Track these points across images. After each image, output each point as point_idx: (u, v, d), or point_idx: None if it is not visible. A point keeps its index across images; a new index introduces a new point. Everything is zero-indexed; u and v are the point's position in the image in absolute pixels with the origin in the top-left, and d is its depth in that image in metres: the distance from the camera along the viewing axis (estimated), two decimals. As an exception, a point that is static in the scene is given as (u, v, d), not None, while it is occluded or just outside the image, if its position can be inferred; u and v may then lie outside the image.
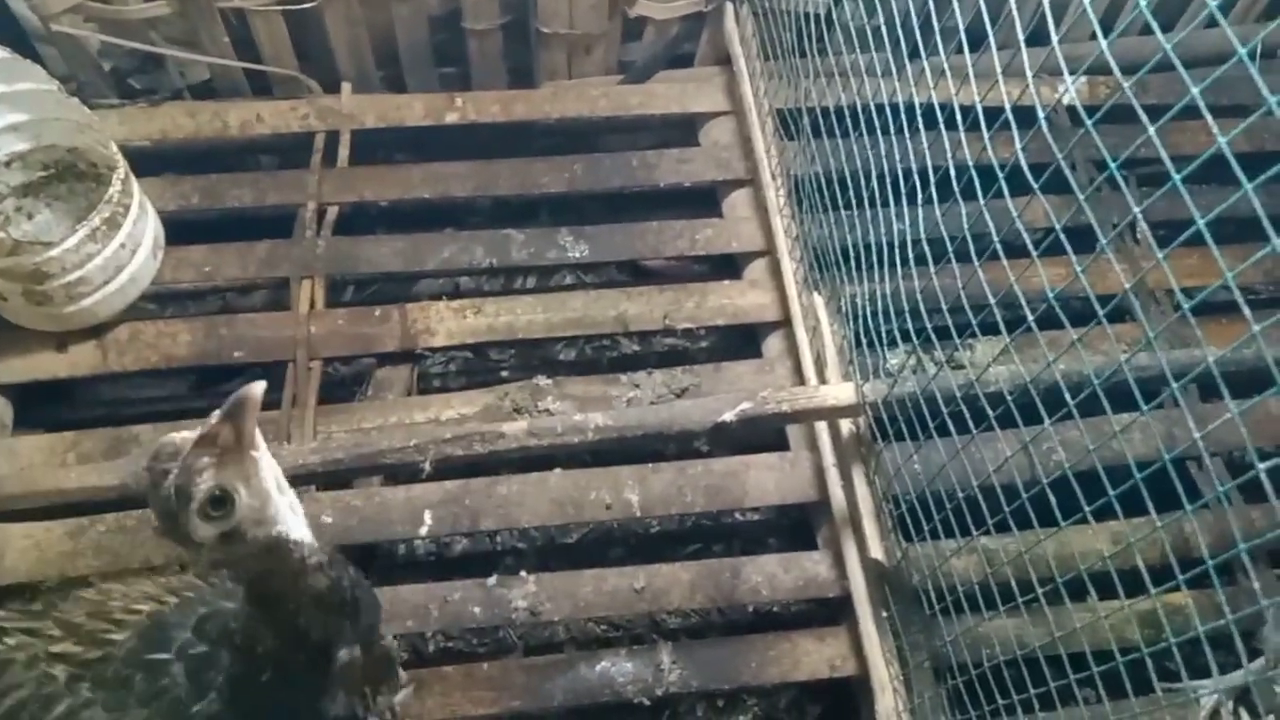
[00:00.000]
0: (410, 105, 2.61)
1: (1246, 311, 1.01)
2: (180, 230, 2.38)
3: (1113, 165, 1.11)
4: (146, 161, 2.41)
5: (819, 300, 2.10)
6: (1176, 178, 1.03)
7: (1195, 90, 0.94)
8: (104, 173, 2.24)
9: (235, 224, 2.45)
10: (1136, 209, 1.11)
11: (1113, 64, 1.10)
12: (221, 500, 1.05)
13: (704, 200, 2.60)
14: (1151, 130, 1.06)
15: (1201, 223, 1.03)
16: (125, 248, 2.13)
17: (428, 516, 2.03)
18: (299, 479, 1.80)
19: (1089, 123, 1.12)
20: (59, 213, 2.33)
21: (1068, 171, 1.22)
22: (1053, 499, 1.42)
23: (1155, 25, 1.08)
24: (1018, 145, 1.25)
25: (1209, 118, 0.97)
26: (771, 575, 2.03)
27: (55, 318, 2.14)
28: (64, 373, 2.20)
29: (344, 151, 2.53)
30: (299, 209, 2.44)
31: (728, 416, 1.70)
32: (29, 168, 2.30)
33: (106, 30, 2.43)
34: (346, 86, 2.63)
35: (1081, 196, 1.25)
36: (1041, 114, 1.17)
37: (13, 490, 1.82)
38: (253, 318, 2.31)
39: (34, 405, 2.23)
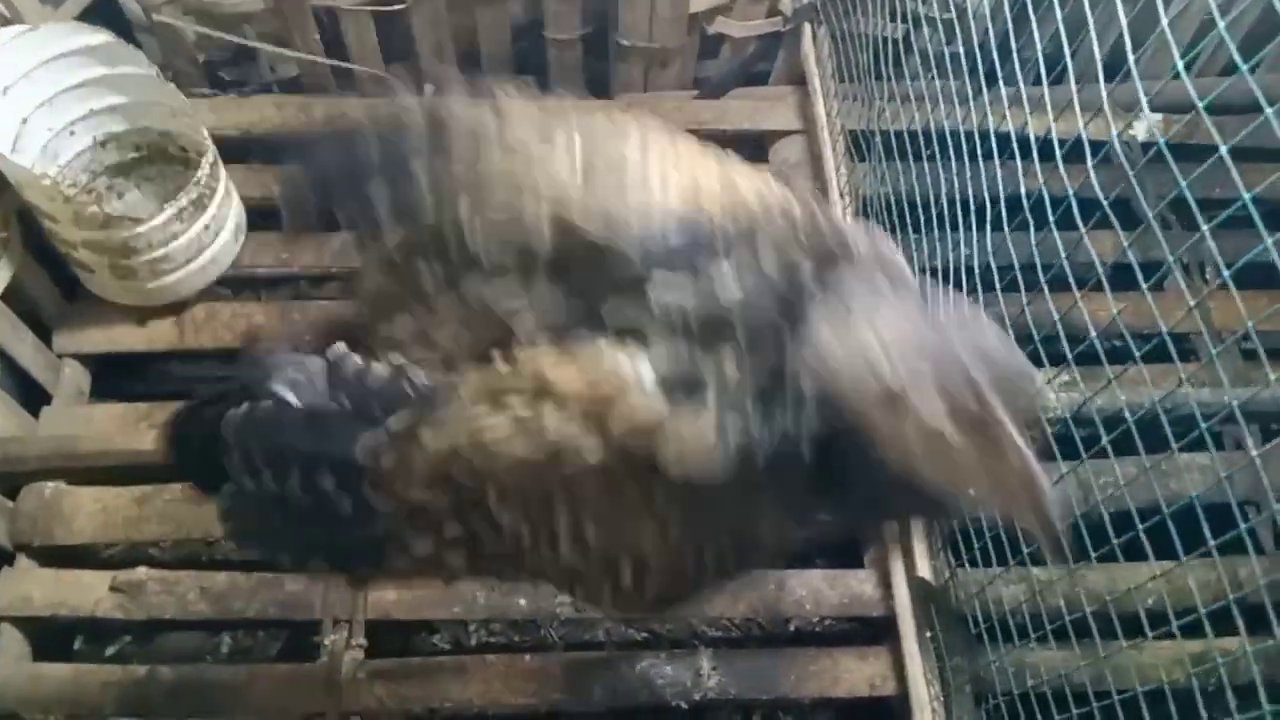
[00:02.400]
0: (489, 109, 2.67)
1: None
2: (261, 217, 2.46)
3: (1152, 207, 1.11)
4: (233, 150, 2.49)
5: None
6: (1204, 228, 1.04)
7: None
8: (193, 157, 2.32)
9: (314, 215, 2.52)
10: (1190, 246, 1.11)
11: (1195, 97, 1.11)
12: None
13: (770, 217, 2.62)
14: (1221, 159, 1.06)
15: (1224, 272, 1.03)
16: (209, 229, 2.21)
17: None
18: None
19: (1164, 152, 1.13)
20: (147, 193, 2.42)
21: (1109, 212, 1.22)
22: (1110, 531, 1.41)
23: (1240, 61, 1.09)
24: (1091, 175, 1.26)
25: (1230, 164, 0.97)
26: (816, 590, 2.03)
27: (138, 292, 2.23)
28: (142, 346, 2.28)
29: (423, 150, 2.59)
30: (375, 203, 2.51)
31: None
32: (123, 148, 2.40)
33: (203, 22, 2.52)
34: (429, 89, 2.69)
35: (1125, 238, 1.26)
36: (1117, 144, 1.19)
37: (89, 449, 1.89)
38: (324, 304, 2.38)
39: (111, 376, 2.32)
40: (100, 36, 2.15)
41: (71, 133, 2.28)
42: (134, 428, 2.13)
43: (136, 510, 2.05)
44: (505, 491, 1.07)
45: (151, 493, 2.07)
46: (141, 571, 2.00)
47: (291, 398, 1.14)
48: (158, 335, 2.29)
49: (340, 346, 1.18)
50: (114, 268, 2.15)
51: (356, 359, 1.16)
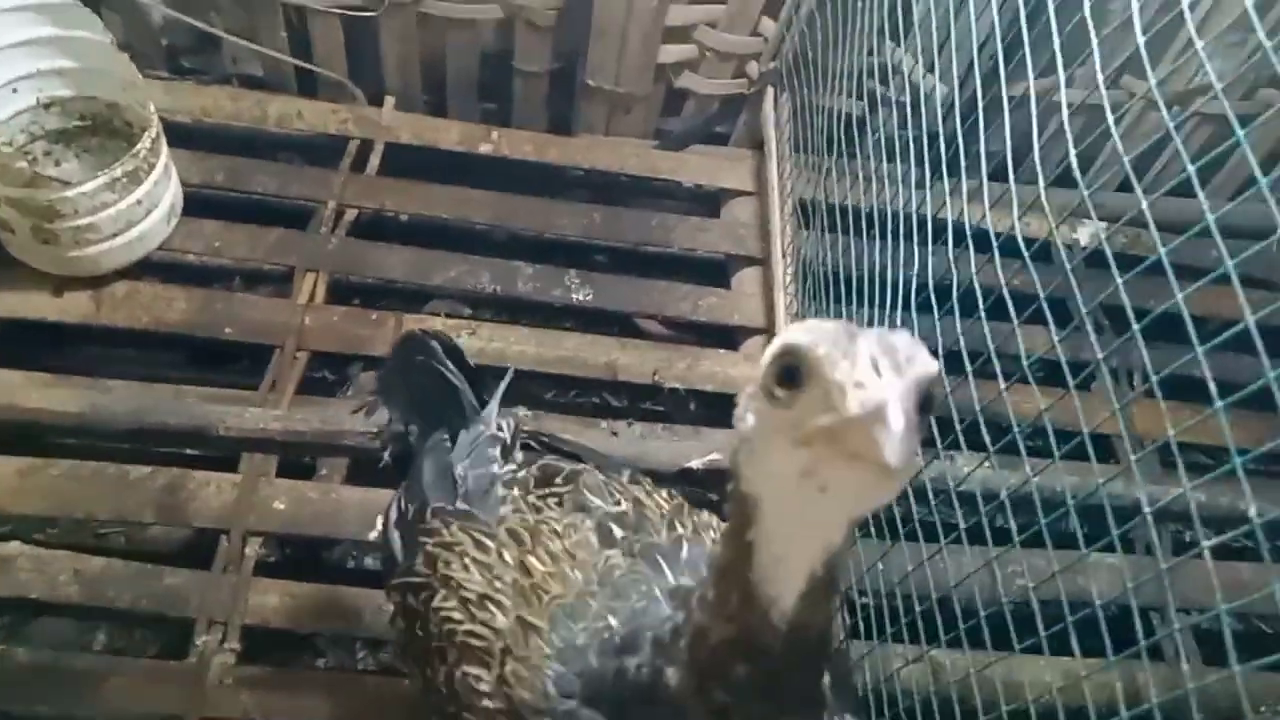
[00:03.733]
0: (447, 129, 2.67)
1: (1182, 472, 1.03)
2: (199, 205, 2.41)
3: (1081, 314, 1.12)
4: (182, 134, 2.46)
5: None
6: (1135, 327, 1.06)
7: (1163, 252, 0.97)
8: (138, 134, 2.27)
9: (253, 210, 2.49)
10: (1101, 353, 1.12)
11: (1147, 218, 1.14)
12: None
13: (714, 272, 2.63)
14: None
15: (1154, 379, 1.05)
16: (141, 205, 2.16)
17: (379, 522, 2.00)
18: (258, 444, 1.79)
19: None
20: (86, 164, 2.36)
21: (1045, 310, 1.24)
22: (1010, 623, 1.41)
23: (1135, 181, 1.13)
24: (1030, 270, 1.28)
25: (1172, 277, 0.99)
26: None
27: (58, 260, 2.16)
28: (54, 316, 2.20)
29: (374, 160, 2.58)
30: (319, 206, 2.48)
31: (695, 463, 1.70)
32: (67, 114, 2.35)
33: (171, 4, 2.50)
34: (390, 100, 2.69)
35: (1056, 338, 1.28)
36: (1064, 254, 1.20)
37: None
38: (250, 299, 2.34)
39: (21, 344, 2.23)
40: (55, -6, 2.11)
41: (15, 90, 2.23)
42: (31, 396, 2.05)
43: (18, 482, 1.96)
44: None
45: (38, 465, 1.98)
46: (14, 546, 1.91)
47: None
48: (73, 307, 2.21)
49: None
50: (36, 230, 2.08)
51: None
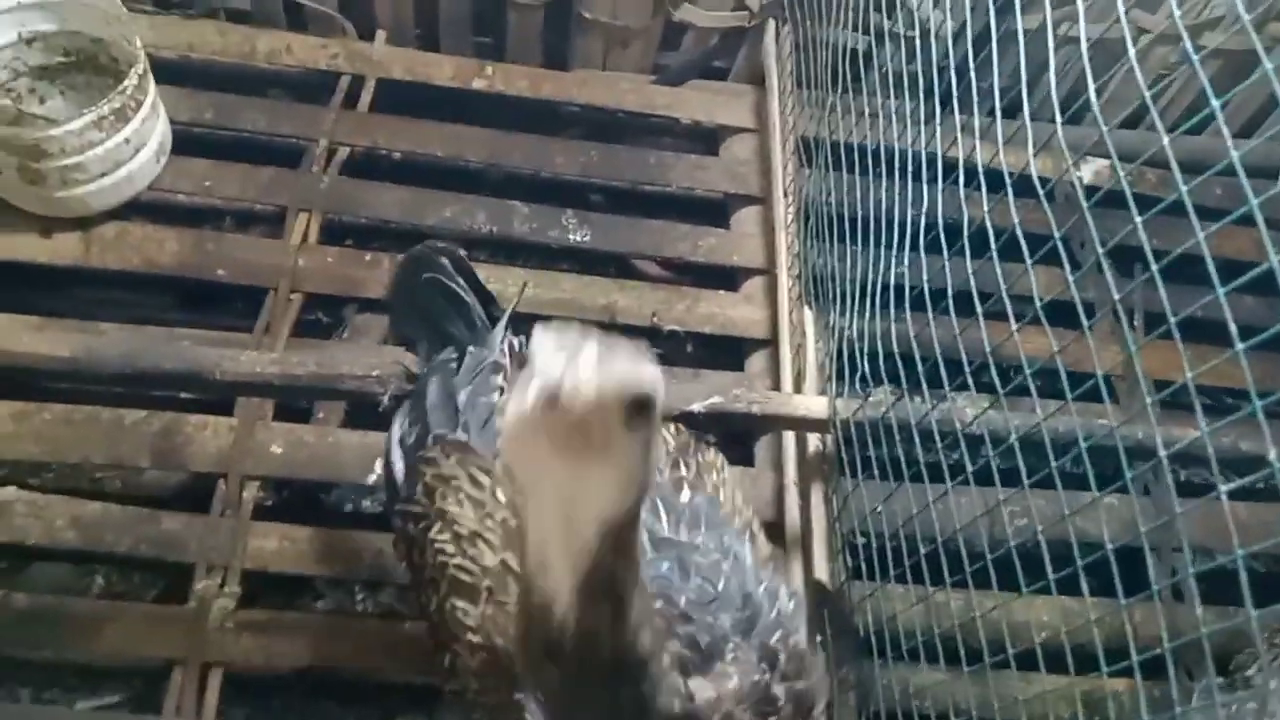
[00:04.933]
0: (440, 65, 2.60)
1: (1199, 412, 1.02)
2: (188, 143, 2.36)
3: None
4: (169, 71, 2.40)
5: (809, 316, 2.09)
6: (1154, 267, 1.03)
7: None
8: (124, 70, 2.20)
9: (244, 148, 2.44)
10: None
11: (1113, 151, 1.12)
12: None
13: (713, 212, 2.59)
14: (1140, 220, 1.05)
15: (1173, 322, 1.03)
16: (129, 144, 2.11)
17: (378, 465, 1.99)
18: (254, 389, 1.77)
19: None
20: (71, 101, 2.30)
21: (1060, 249, 1.22)
22: (1018, 564, 1.40)
23: (1158, 119, 1.09)
24: (1046, 209, 1.25)
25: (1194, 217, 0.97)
26: (712, 588, 1.99)
27: (45, 200, 2.11)
28: (44, 258, 2.17)
29: (366, 97, 2.52)
30: (310, 144, 2.43)
31: (696, 406, 1.68)
32: (50, 50, 2.28)
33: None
34: (381, 35, 2.63)
35: (1071, 278, 1.26)
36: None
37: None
38: (242, 239, 2.30)
39: (9, 287, 2.19)
40: (38, -73, 2.04)
41: (-9, 24, 2.16)
42: (21, 339, 2.01)
43: (13, 427, 1.94)
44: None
45: (32, 410, 1.95)
46: (10, 491, 1.90)
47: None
48: (62, 249, 2.17)
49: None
50: (23, 170, 2.03)
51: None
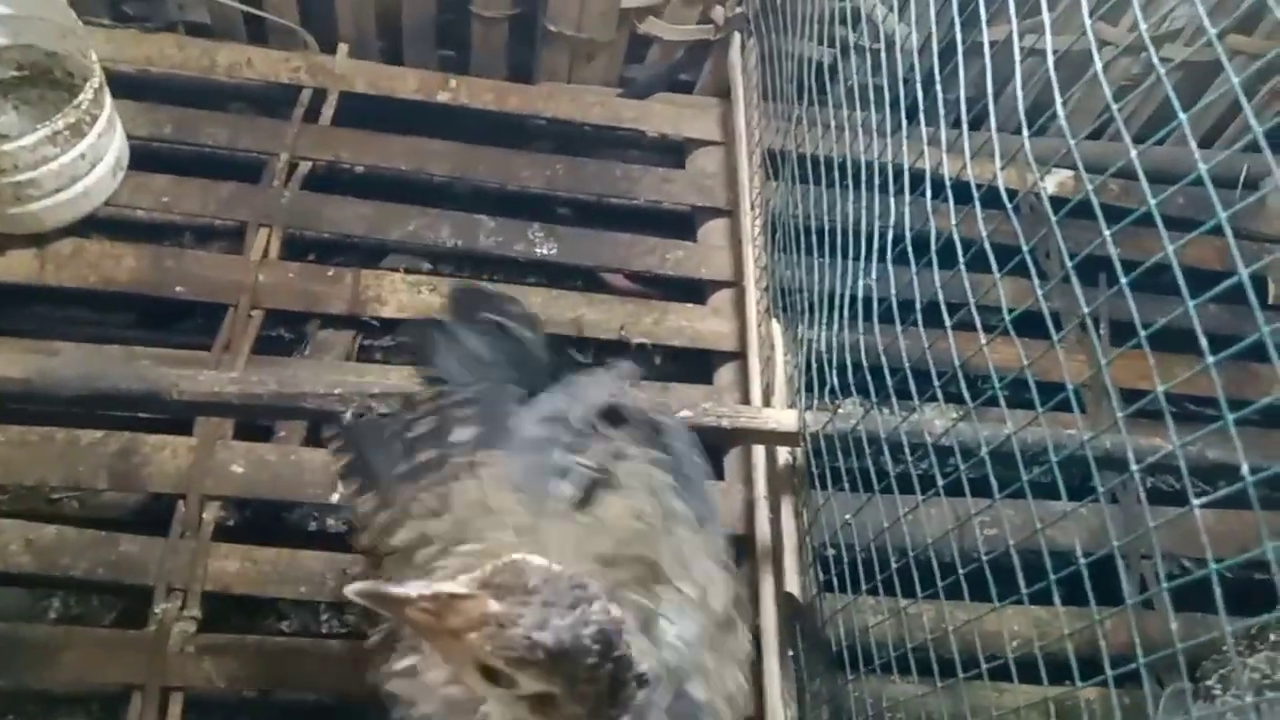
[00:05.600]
0: (404, 78, 2.58)
1: (1170, 424, 1.02)
2: (147, 159, 2.31)
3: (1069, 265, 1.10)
4: (127, 85, 2.36)
5: (776, 328, 2.08)
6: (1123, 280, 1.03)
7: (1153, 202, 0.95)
8: (79, 84, 2.17)
9: (204, 163, 2.40)
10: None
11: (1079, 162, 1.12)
12: None
13: (680, 225, 2.58)
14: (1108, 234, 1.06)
15: (1143, 334, 1.03)
16: (85, 159, 2.07)
17: (341, 485, 1.95)
18: (214, 409, 1.74)
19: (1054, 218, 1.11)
20: (25, 117, 2.26)
21: (1029, 261, 1.22)
22: (989, 575, 1.40)
23: (1124, 130, 1.10)
24: (1014, 221, 1.25)
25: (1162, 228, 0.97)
26: (683, 603, 1.97)
27: (-2, 217, 2.07)
28: (-2, 277, 2.12)
29: (328, 111, 2.49)
30: (271, 158, 2.40)
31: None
32: (3, 64, 2.25)
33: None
34: (343, 48, 2.60)
35: (1040, 291, 1.26)
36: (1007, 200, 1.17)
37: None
38: (201, 255, 2.26)
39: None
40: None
41: (-57, 39, 2.12)
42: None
43: (-32, 449, 1.89)
44: None
45: (-12, 431, 1.91)
46: (-34, 514, 1.85)
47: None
48: (16, 267, 2.13)
49: None
50: (-26, 187, 1.99)
51: None
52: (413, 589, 0.81)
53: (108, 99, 2.12)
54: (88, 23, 2.35)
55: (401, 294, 2.25)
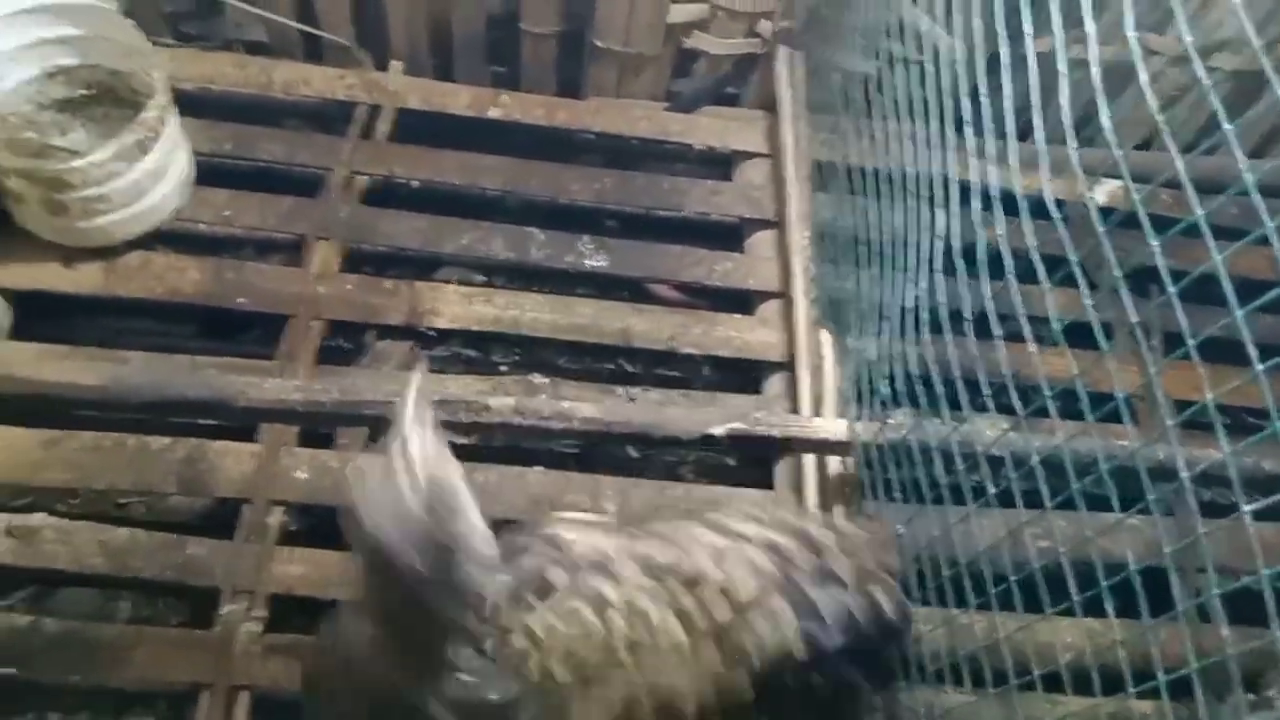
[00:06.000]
0: (456, 94, 2.64)
1: (1221, 436, 1.03)
2: (208, 174, 2.38)
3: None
4: (188, 104, 2.42)
5: (826, 338, 2.10)
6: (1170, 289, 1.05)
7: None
8: (143, 102, 2.24)
9: (263, 178, 2.46)
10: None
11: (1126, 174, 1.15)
12: None
13: (728, 236, 2.61)
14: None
15: (1192, 343, 1.05)
16: (151, 174, 2.14)
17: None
18: (278, 415, 1.79)
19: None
20: (93, 134, 2.33)
21: (1078, 272, 1.24)
22: (1042, 585, 1.41)
23: (1171, 142, 1.12)
24: (1062, 232, 1.27)
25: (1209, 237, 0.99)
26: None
27: (68, 231, 2.14)
28: (67, 288, 2.19)
29: (383, 127, 2.55)
30: (328, 173, 2.46)
31: (717, 430, 1.69)
32: (71, 84, 2.31)
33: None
34: (397, 65, 2.66)
35: (1089, 301, 1.27)
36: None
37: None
38: (262, 268, 2.32)
39: (35, 316, 2.21)
40: (60, -39, 2.07)
41: (17, 59, 2.19)
42: (50, 368, 2.03)
43: (40, 454, 1.96)
44: None
45: (58, 437, 1.97)
46: (39, 518, 1.91)
47: None
48: (85, 279, 2.20)
49: None
50: (46, 202, 2.06)
51: None
52: None
53: (173, 117, 2.19)
54: (152, 43, 2.43)
55: (455, 306, 2.30)
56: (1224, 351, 1.10)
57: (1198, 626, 1.99)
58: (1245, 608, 1.13)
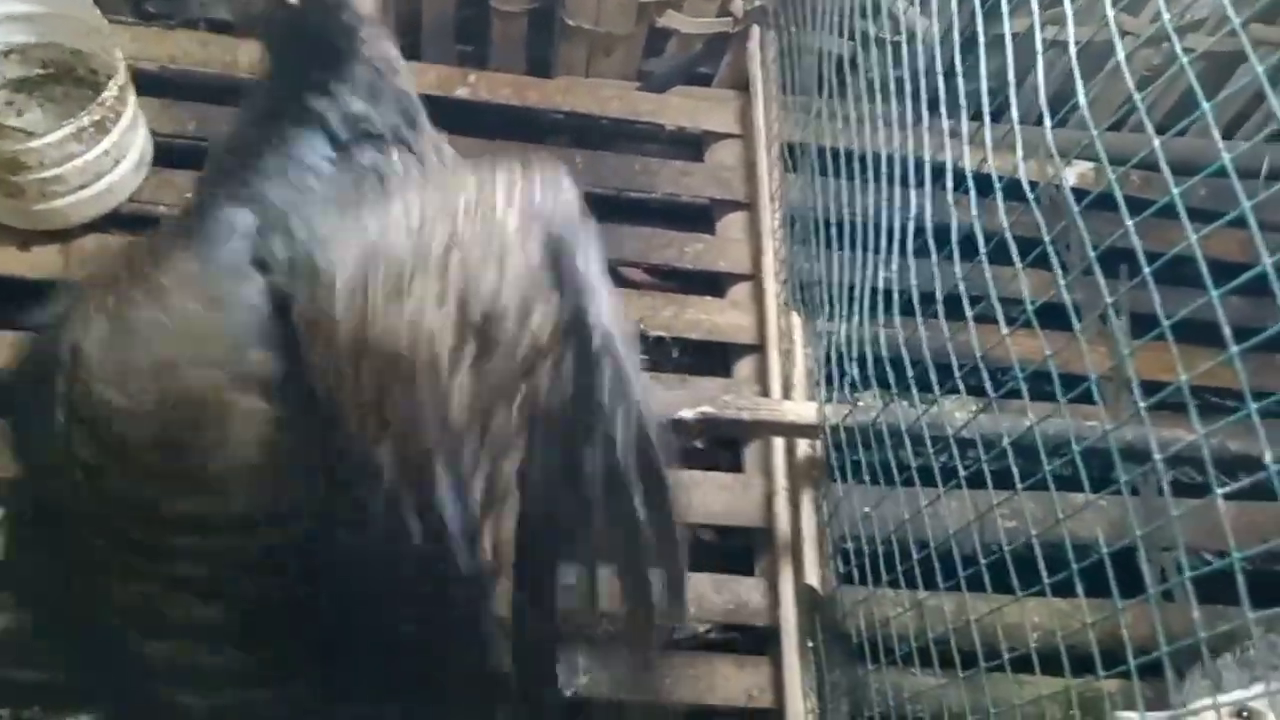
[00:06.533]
0: (423, 73, 2.59)
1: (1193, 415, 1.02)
2: (169, 155, 2.34)
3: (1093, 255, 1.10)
4: (150, 83, 2.38)
5: (796, 321, 2.09)
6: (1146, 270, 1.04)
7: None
8: (103, 82, 2.19)
9: (226, 159, 2.42)
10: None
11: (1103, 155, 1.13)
12: None
13: (699, 218, 2.59)
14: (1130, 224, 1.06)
15: (1166, 324, 1.03)
16: (109, 155, 2.09)
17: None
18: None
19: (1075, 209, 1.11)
20: (50, 114, 2.28)
21: (1052, 252, 1.23)
22: (1011, 566, 1.40)
23: (1148, 122, 1.11)
24: (1037, 213, 1.26)
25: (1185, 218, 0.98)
26: (701, 595, 1.98)
27: (24, 214, 2.09)
28: (23, 272, 2.14)
29: (349, 106, 2.50)
30: (293, 154, 2.41)
31: (687, 414, 1.68)
32: (28, 63, 2.27)
33: (133, -56, 2.41)
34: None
35: (1062, 281, 1.26)
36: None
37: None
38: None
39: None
40: (17, -62, 2.02)
41: (-31, 38, 2.15)
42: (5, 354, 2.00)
43: (-5, 442, 1.92)
44: None
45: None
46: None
47: None
48: (41, 263, 2.15)
49: None
50: (1, 183, 2.01)
51: None
52: None
53: (132, 96, 2.15)
54: (111, 21, 2.37)
55: (422, 288, 2.26)
56: (1191, 330, 1.08)
57: (1164, 606, 2.00)
58: (1209, 585, 1.12)
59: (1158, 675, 1.26)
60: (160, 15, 2.62)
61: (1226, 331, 0.90)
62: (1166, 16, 1.05)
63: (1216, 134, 0.94)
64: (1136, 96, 1.19)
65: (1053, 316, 1.31)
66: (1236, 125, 2.75)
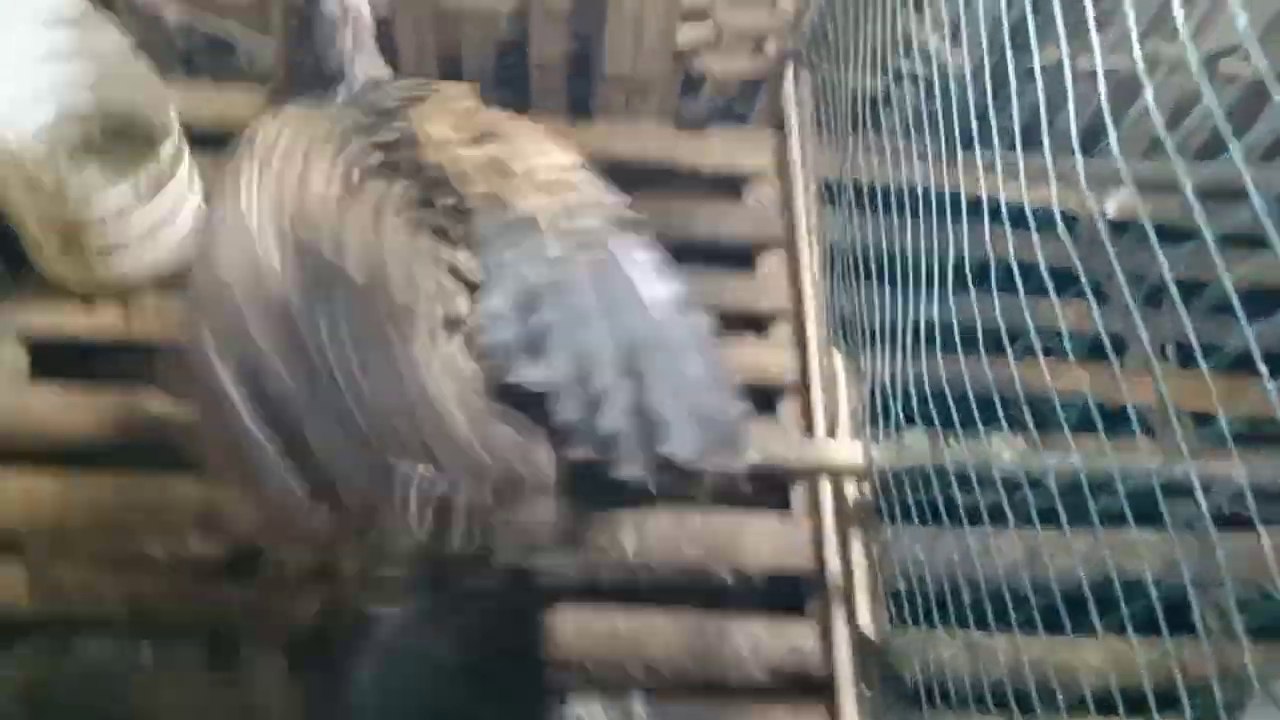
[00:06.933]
0: (465, 121, 2.64)
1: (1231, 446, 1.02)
2: (222, 211, 2.39)
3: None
4: (203, 140, 2.43)
5: (839, 360, 2.10)
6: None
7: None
8: (158, 141, 2.25)
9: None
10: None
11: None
12: None
13: (738, 258, 2.61)
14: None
15: (1204, 362, 1.03)
16: (167, 212, 2.15)
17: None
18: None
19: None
20: (108, 174, 2.34)
21: (1086, 287, 1.23)
22: (1062, 607, 1.40)
23: (1174, 153, 1.11)
24: (1069, 246, 1.26)
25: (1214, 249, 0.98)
26: (757, 641, 1.98)
27: (85, 273, 2.15)
28: (85, 332, 2.21)
29: (395, 157, 2.56)
30: (341, 206, 2.46)
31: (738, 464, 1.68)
32: (87, 123, 2.32)
33: (186, 9, 2.48)
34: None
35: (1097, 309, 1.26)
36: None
37: (23, 431, 1.81)
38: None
39: (49, 358, 2.23)
40: (73, 2, 2.08)
41: (33, 101, 2.21)
42: (70, 412, 2.06)
43: (60, 498, 1.97)
44: None
45: (78, 480, 1.99)
46: (60, 563, 1.92)
47: None
48: (103, 322, 2.22)
49: None
50: (62, 244, 2.08)
51: None
52: None
53: (187, 154, 2.21)
54: (163, 80, 2.45)
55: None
56: (1241, 359, 1.08)
57: (1220, 642, 1.98)
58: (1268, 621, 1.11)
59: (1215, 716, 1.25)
60: (209, 71, 2.69)
61: (1260, 365, 0.91)
62: (1191, 50, 1.06)
63: (1241, 164, 0.95)
64: (1163, 133, 1.19)
65: (1098, 349, 1.31)
66: None
